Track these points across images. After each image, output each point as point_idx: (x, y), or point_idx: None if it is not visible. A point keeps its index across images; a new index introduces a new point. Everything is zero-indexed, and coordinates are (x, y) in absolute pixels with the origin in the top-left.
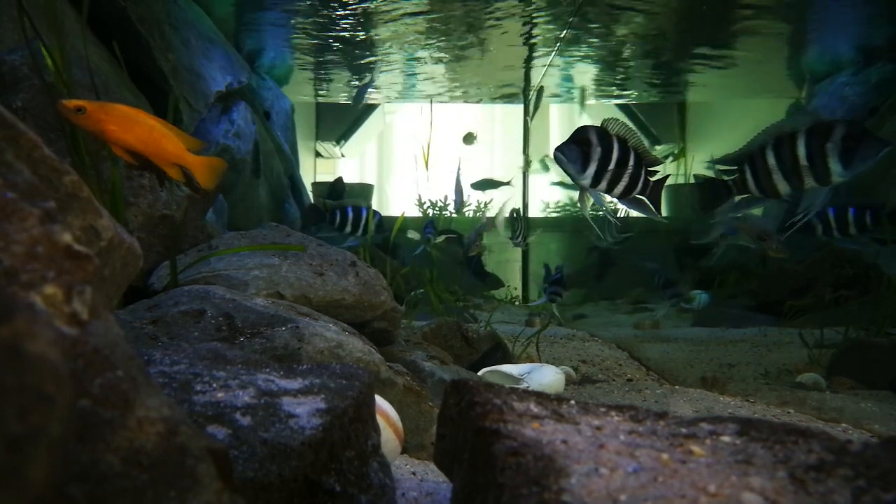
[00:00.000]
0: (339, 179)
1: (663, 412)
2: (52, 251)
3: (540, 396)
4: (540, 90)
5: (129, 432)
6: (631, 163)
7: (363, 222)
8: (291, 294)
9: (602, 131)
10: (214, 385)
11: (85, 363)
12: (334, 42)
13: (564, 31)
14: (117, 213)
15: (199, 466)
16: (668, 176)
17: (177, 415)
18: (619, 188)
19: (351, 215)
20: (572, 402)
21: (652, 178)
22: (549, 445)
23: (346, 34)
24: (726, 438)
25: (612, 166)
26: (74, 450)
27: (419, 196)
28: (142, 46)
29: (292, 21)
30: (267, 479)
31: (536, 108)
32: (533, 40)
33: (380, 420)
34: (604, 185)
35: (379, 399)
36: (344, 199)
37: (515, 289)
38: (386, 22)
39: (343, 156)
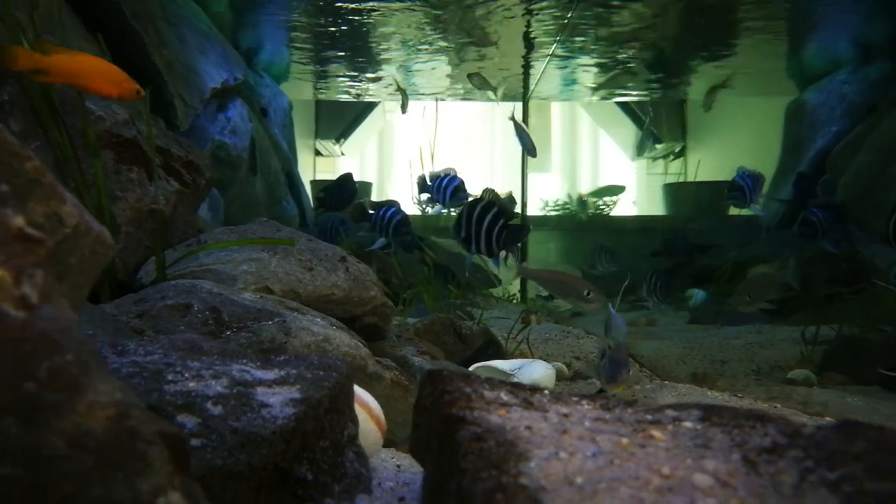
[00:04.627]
0: (350, 176)
1: (633, 400)
2: (2, 234)
3: (514, 386)
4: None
5: (76, 416)
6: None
7: (387, 222)
8: (280, 289)
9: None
10: (187, 375)
11: (32, 347)
12: (333, 39)
13: (566, 22)
14: (101, 207)
15: (150, 450)
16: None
17: (129, 399)
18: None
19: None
20: (546, 391)
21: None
22: (513, 431)
23: (345, 31)
24: (688, 424)
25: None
26: (17, 433)
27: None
28: (135, 42)
29: (290, 17)
30: (236, 467)
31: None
32: (532, 33)
33: (361, 412)
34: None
35: (361, 391)
36: (355, 197)
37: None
38: (386, 17)
39: (343, 154)
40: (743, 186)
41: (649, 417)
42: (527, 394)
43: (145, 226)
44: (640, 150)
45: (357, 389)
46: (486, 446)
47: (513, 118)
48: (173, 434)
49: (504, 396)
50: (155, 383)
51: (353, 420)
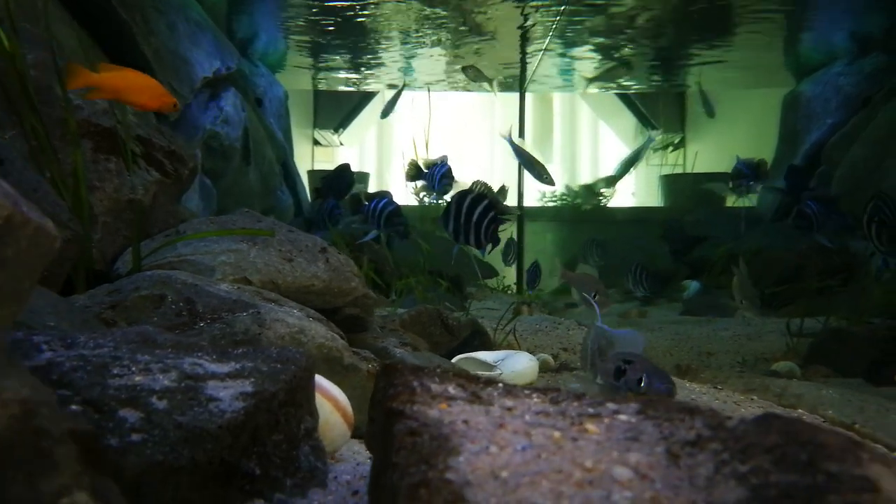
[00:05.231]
0: (347, 166)
1: (581, 393)
2: None
3: (467, 379)
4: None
5: None
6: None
7: (379, 213)
8: (259, 279)
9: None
10: (134, 368)
11: None
12: (331, 29)
13: (559, 14)
14: (80, 198)
15: (56, 449)
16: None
17: (39, 396)
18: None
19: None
20: (500, 384)
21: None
22: (450, 425)
23: (343, 21)
24: (623, 417)
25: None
26: None
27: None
28: (123, 31)
29: (286, 6)
30: (178, 462)
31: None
32: (528, 24)
33: (327, 404)
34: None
35: (326, 383)
36: (353, 187)
37: (504, 277)
38: (382, 7)
39: (342, 144)
40: (748, 175)
41: (590, 411)
42: (477, 387)
43: (123, 216)
44: (621, 171)
45: (323, 381)
46: (420, 440)
47: (510, 139)
48: (86, 432)
49: (451, 390)
50: (98, 377)
51: (312, 413)
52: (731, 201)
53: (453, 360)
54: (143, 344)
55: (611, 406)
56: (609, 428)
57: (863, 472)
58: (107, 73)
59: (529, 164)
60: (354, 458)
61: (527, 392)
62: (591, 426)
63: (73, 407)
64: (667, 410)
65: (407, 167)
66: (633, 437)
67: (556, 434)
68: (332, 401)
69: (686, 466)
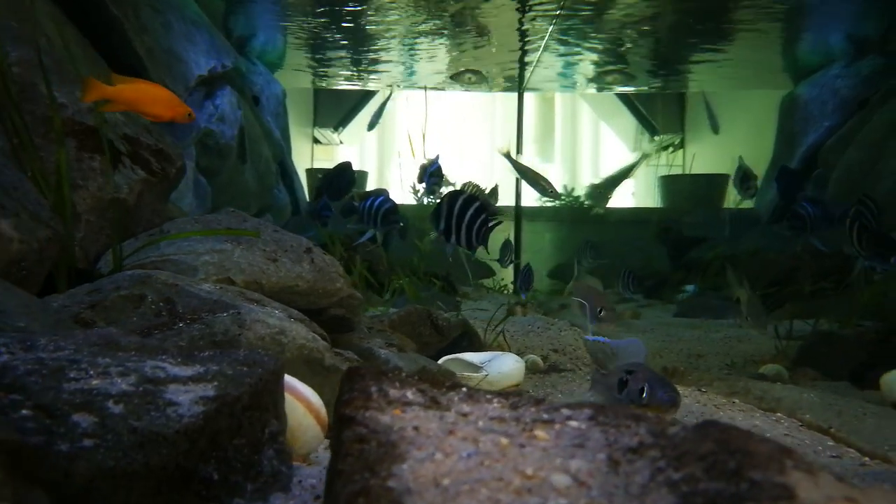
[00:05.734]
0: (348, 164)
1: (541, 399)
2: None
3: (430, 384)
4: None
5: None
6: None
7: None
8: (243, 280)
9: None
10: (92, 372)
11: None
12: (331, 27)
13: (558, 12)
14: (62, 196)
15: None
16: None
17: None
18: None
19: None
20: (463, 389)
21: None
22: (399, 432)
23: (342, 19)
24: (574, 423)
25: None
26: None
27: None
28: (115, 28)
29: (285, 4)
30: (130, 467)
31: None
32: (526, 23)
33: (299, 407)
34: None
35: (300, 385)
36: (353, 186)
37: (503, 279)
38: (382, 6)
39: (342, 142)
40: (756, 177)
41: (545, 416)
42: (438, 392)
43: (107, 215)
44: (613, 181)
45: (296, 383)
46: (367, 448)
47: (508, 156)
48: (12, 441)
49: (410, 395)
50: (53, 381)
51: (279, 417)
52: (730, 201)
53: (440, 361)
54: (105, 347)
55: (565, 412)
56: (559, 434)
57: (783, 480)
58: (121, 86)
59: (533, 181)
60: (328, 462)
61: (488, 397)
62: (540, 432)
63: (24, 412)
64: (615, 416)
65: (418, 170)
66: (580, 444)
67: (504, 441)
68: (304, 403)
69: (624, 473)
